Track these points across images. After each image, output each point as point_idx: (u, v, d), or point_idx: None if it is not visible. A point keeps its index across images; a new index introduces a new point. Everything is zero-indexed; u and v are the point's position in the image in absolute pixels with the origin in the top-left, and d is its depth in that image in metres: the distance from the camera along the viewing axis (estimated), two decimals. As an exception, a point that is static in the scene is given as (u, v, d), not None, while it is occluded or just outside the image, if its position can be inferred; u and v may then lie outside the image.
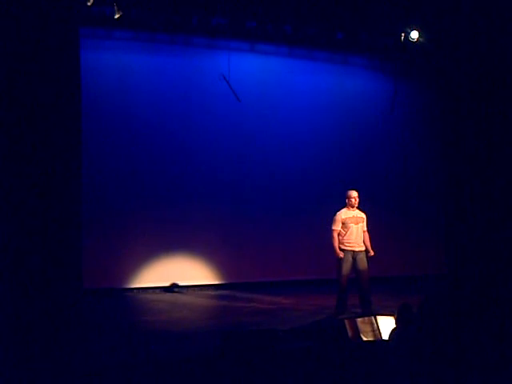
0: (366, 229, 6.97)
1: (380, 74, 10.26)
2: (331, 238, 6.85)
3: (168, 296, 8.66)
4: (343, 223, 6.85)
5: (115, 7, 7.79)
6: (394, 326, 3.96)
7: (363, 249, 6.87)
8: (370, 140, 10.11)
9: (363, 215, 6.99)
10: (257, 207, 9.42)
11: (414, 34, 8.83)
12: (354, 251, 6.82)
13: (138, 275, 8.82)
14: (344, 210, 6.94)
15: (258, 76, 9.59)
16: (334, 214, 6.93)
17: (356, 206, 6.94)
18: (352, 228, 6.84)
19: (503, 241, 7.51)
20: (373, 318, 4.95)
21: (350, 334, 4.79)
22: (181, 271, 9.01)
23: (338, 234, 6.85)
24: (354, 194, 6.94)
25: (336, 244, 6.80)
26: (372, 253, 6.90)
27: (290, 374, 3.91)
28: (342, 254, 6.75)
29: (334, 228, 6.87)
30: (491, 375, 2.75)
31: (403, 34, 8.92)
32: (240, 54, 9.45)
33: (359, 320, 4.92)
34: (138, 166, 8.89)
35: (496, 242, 7.59)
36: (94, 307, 7.11)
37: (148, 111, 8.94)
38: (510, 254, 7.39)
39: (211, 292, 8.93)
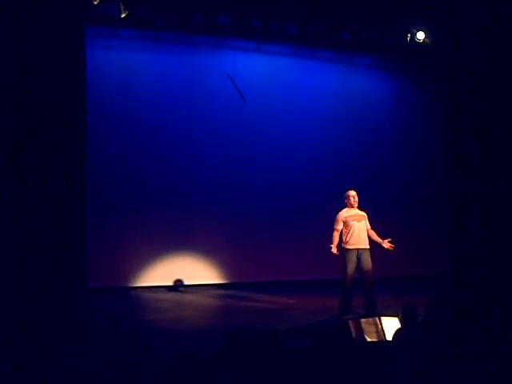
0: (369, 227, 6.96)
1: (385, 74, 10.24)
2: (332, 236, 6.85)
3: (172, 295, 8.67)
4: (345, 222, 6.85)
5: (121, 6, 7.81)
6: (398, 326, 3.96)
7: (368, 247, 6.85)
8: (375, 140, 10.09)
9: (364, 214, 6.99)
10: (260, 207, 9.42)
11: (420, 35, 8.81)
12: (358, 249, 6.78)
13: (142, 274, 8.83)
14: (345, 210, 6.95)
15: (263, 76, 9.59)
16: (336, 214, 6.94)
17: (356, 205, 6.94)
18: (354, 226, 6.83)
19: (508, 240, 7.49)
20: (377, 318, 4.94)
21: (353, 334, 4.78)
22: (184, 270, 9.02)
23: (342, 234, 6.85)
24: (352, 192, 6.96)
25: (334, 240, 6.80)
26: (388, 245, 6.82)
27: (293, 374, 3.91)
28: (335, 250, 6.76)
29: (335, 227, 6.87)
30: (496, 377, 2.74)
31: (409, 35, 8.90)
32: (245, 53, 9.46)
33: (363, 320, 4.91)
34: (143, 165, 8.91)
35: (501, 242, 7.57)
36: (98, 306, 7.12)
37: (153, 110, 8.96)
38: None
39: (214, 291, 8.93)
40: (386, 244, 6.86)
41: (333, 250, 6.78)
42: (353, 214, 6.91)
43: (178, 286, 8.95)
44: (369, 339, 4.77)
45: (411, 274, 9.58)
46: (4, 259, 5.62)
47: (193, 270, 9.07)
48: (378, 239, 6.90)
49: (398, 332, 3.48)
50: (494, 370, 2.72)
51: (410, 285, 8.97)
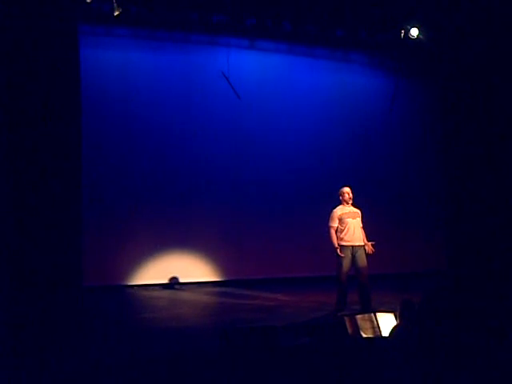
0: (361, 225, 6.97)
1: (380, 71, 10.26)
2: (329, 235, 6.86)
3: (168, 293, 8.67)
4: (340, 219, 6.86)
5: (115, 4, 7.78)
6: (396, 322, 3.97)
7: (362, 244, 6.86)
8: (370, 137, 10.11)
9: (358, 211, 7.01)
10: (256, 204, 9.42)
11: (414, 31, 8.82)
12: (353, 246, 6.80)
13: (138, 272, 8.83)
14: (340, 207, 6.96)
15: (257, 73, 9.59)
16: (331, 212, 6.94)
17: (350, 201, 6.95)
18: (349, 223, 6.84)
19: (503, 237, 7.52)
20: (372, 314, 4.96)
21: (349, 330, 4.80)
22: (181, 268, 9.02)
23: (337, 231, 6.85)
24: (346, 189, 6.97)
25: (334, 241, 6.80)
26: (369, 248, 6.86)
27: (290, 371, 3.92)
28: (341, 253, 6.74)
29: (331, 225, 6.88)
30: (491, 373, 2.75)
31: (403, 31, 8.91)
32: (240, 51, 9.45)
33: (359, 317, 4.92)
34: (138, 162, 8.90)
35: (496, 239, 7.60)
36: (94, 304, 7.12)
37: (148, 108, 8.94)
38: (510, 251, 7.41)
39: (211, 289, 8.93)
40: (368, 247, 6.86)
41: (340, 254, 6.77)
42: (347, 211, 6.92)
43: (174, 283, 8.95)
44: (365, 335, 4.79)
45: (407, 271, 9.61)
46: (0, 259, 5.61)
47: (188, 268, 9.07)
48: (364, 240, 6.91)
49: (395, 328, 3.48)
50: (491, 367, 2.74)
51: (405, 282, 9.00)
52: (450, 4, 7.80)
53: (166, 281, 8.95)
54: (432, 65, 9.44)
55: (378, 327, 4.83)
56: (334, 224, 6.86)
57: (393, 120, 10.24)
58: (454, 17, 7.90)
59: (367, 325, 4.86)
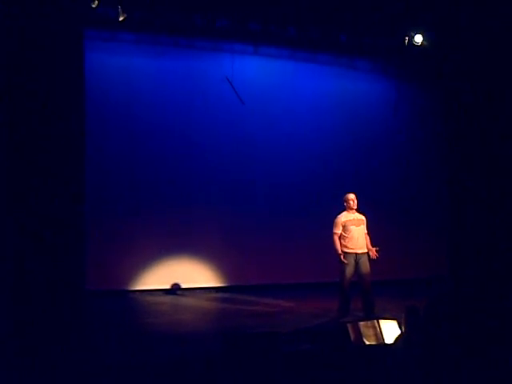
0: (366, 231, 6.96)
1: (383, 78, 10.25)
2: (332, 241, 6.84)
3: (170, 298, 8.65)
4: (344, 226, 6.84)
5: (119, 9, 7.80)
6: (399, 329, 3.94)
7: (366, 251, 6.85)
8: (373, 143, 10.09)
9: (363, 217, 6.99)
10: (259, 210, 9.40)
11: (418, 38, 8.83)
12: (356, 254, 6.79)
13: (141, 277, 8.81)
14: (344, 213, 6.94)
15: (261, 78, 9.59)
16: (335, 218, 6.93)
17: (355, 208, 6.94)
18: (353, 230, 6.82)
19: (505, 241, 7.50)
20: (375, 321, 4.94)
21: (352, 337, 4.78)
22: (183, 274, 9.00)
23: (340, 238, 6.84)
24: (351, 196, 6.96)
25: (338, 247, 6.79)
26: (373, 253, 6.84)
27: (292, 377, 3.90)
28: (345, 260, 6.73)
29: (334, 231, 6.86)
30: (495, 378, 2.73)
31: (407, 38, 8.92)
32: (244, 56, 9.45)
33: (362, 324, 4.90)
34: (141, 167, 8.89)
35: (498, 244, 7.58)
36: (96, 308, 7.10)
37: (151, 113, 8.95)
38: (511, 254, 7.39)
39: (213, 294, 8.91)
40: (372, 252, 6.86)
41: (342, 258, 6.76)
42: (352, 218, 6.90)
43: (176, 289, 8.93)
44: (367, 342, 4.76)
45: (409, 277, 9.57)
46: (3, 262, 5.61)
47: (190, 274, 9.05)
48: (368, 245, 6.90)
49: (400, 337, 3.44)
50: (494, 372, 2.72)
51: (408, 288, 8.96)
52: (451, 8, 7.81)
53: (168, 286, 8.93)
54: (434, 69, 9.44)
55: (381, 334, 4.80)
56: (338, 231, 6.85)
57: (395, 125, 10.22)
58: (455, 21, 7.91)
59: (370, 332, 4.83)
